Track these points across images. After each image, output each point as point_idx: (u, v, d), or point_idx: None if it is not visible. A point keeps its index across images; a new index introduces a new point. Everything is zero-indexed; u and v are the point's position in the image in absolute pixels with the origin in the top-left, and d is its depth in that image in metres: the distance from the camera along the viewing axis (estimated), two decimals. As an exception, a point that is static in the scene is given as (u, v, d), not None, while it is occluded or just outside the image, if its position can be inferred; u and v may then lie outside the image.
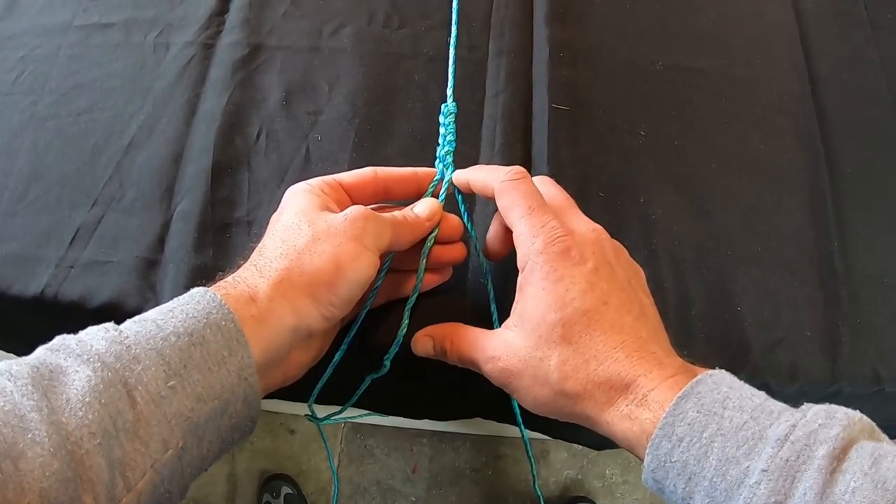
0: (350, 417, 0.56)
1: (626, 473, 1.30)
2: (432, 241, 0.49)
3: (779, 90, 0.65)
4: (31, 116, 0.61)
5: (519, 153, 0.58)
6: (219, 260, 0.54)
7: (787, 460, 0.32)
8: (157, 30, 0.65)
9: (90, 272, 0.53)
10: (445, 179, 0.52)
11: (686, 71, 0.64)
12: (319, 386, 0.51)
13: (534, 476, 0.63)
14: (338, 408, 0.56)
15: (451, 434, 1.29)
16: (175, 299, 0.38)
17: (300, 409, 0.56)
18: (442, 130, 0.57)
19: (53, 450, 0.30)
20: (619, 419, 0.38)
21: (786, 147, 0.62)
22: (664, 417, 0.35)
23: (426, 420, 0.70)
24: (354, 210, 0.44)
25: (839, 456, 0.32)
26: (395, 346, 0.49)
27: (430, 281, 0.51)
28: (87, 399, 0.32)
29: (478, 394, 0.59)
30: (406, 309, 0.49)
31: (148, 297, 0.52)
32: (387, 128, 0.59)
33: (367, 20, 0.65)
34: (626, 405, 0.38)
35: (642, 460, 0.37)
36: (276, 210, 0.47)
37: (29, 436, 0.30)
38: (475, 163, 0.57)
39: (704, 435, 0.34)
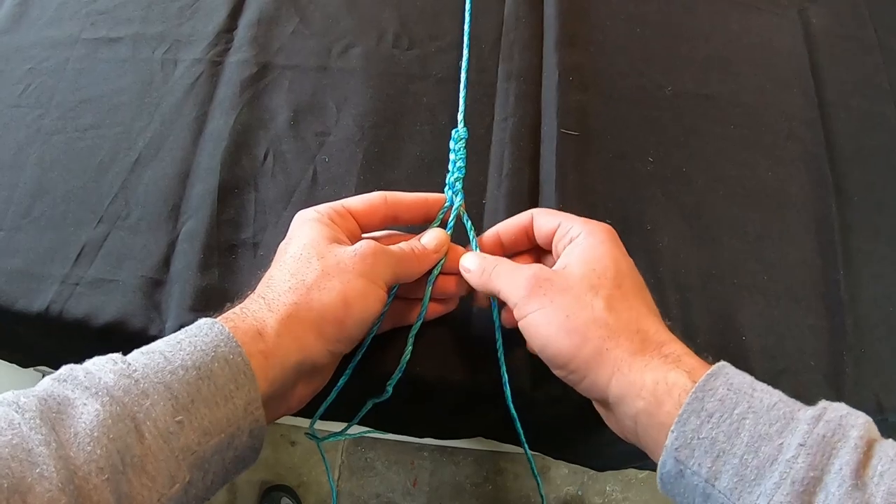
0: (350, 435, 0.56)
1: (627, 490, 1.29)
2: (438, 270, 0.49)
3: (787, 117, 0.64)
4: (38, 130, 0.61)
5: (527, 178, 0.58)
6: (224, 281, 0.53)
7: (824, 436, 0.32)
8: (165, 46, 0.65)
9: (95, 290, 0.53)
10: (455, 206, 0.52)
11: (695, 97, 0.64)
12: (322, 409, 0.51)
13: (542, 497, 0.62)
14: (338, 424, 0.56)
15: (452, 448, 1.29)
16: (183, 330, 0.38)
17: (302, 421, 0.56)
18: (452, 156, 0.56)
19: (62, 485, 0.30)
20: (652, 368, 0.38)
21: (794, 174, 0.62)
22: (693, 392, 0.35)
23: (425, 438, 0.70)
24: (364, 246, 0.44)
25: (869, 441, 0.32)
26: (398, 373, 0.49)
27: (435, 310, 0.50)
28: (95, 434, 0.31)
29: (481, 417, 0.59)
30: (410, 336, 0.49)
31: (153, 316, 0.52)
32: (395, 150, 0.59)
33: (377, 40, 0.65)
34: (660, 358, 0.38)
35: (657, 437, 0.37)
36: (283, 235, 0.47)
37: (37, 470, 0.30)
38: (481, 187, 0.57)
39: (736, 412, 0.34)
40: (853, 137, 0.64)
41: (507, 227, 0.50)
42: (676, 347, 0.40)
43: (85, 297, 0.53)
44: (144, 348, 0.37)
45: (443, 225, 0.51)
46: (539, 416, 0.54)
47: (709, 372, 0.36)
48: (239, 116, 0.60)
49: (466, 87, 0.61)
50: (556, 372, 0.43)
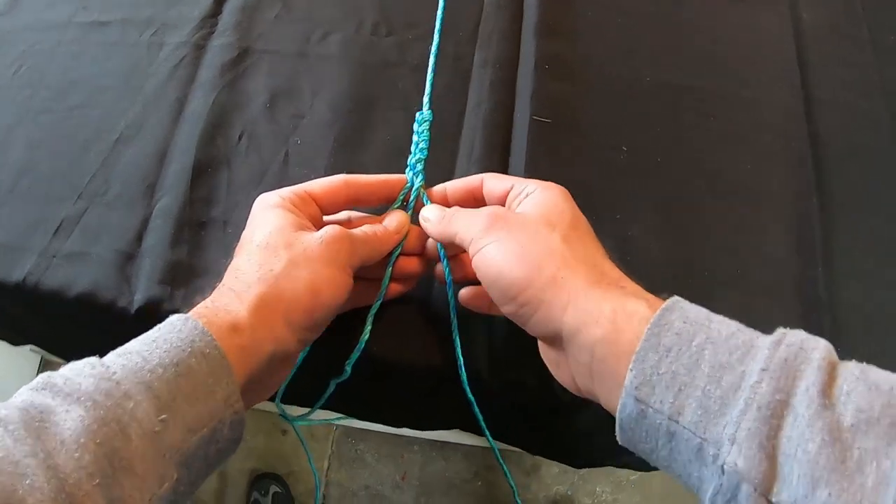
0: (328, 420, 0.56)
1: (617, 492, 1.28)
2: (399, 251, 0.49)
3: (772, 111, 0.64)
4: (28, 110, 0.63)
5: (495, 164, 0.58)
6: (192, 257, 0.54)
7: (786, 360, 0.31)
8: (153, 29, 0.66)
9: (71, 263, 0.55)
10: (415, 187, 0.52)
11: (676, 88, 0.64)
12: (282, 388, 0.52)
13: (513, 488, 0.62)
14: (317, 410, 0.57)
15: (443, 443, 1.29)
16: (156, 328, 0.38)
17: (293, 410, 0.57)
18: (415, 138, 0.57)
19: (53, 494, 0.29)
20: (609, 297, 0.37)
21: (775, 170, 0.61)
22: (648, 328, 0.34)
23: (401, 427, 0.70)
24: (329, 232, 0.44)
25: (832, 362, 0.31)
26: (357, 352, 0.49)
27: (395, 290, 0.51)
28: (81, 440, 0.31)
29: (447, 401, 0.59)
30: (369, 316, 0.49)
31: (123, 289, 0.53)
32: (366, 135, 0.60)
33: (356, 27, 0.65)
34: (618, 289, 0.38)
35: (615, 368, 0.36)
36: (247, 217, 0.47)
37: (27, 482, 0.29)
38: (449, 173, 0.58)
39: (694, 343, 0.33)
40: (839, 135, 0.63)
41: (455, 186, 0.50)
42: (633, 284, 0.39)
43: (61, 269, 0.54)
44: (119, 350, 0.37)
45: (403, 206, 0.51)
46: (500, 403, 0.54)
47: (663, 306, 0.35)
48: (217, 98, 0.61)
49: (435, 70, 0.61)
50: (507, 308, 0.41)
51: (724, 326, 0.34)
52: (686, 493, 0.35)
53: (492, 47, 0.64)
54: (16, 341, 0.73)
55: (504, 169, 0.58)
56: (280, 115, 0.61)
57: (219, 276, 0.52)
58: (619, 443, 0.37)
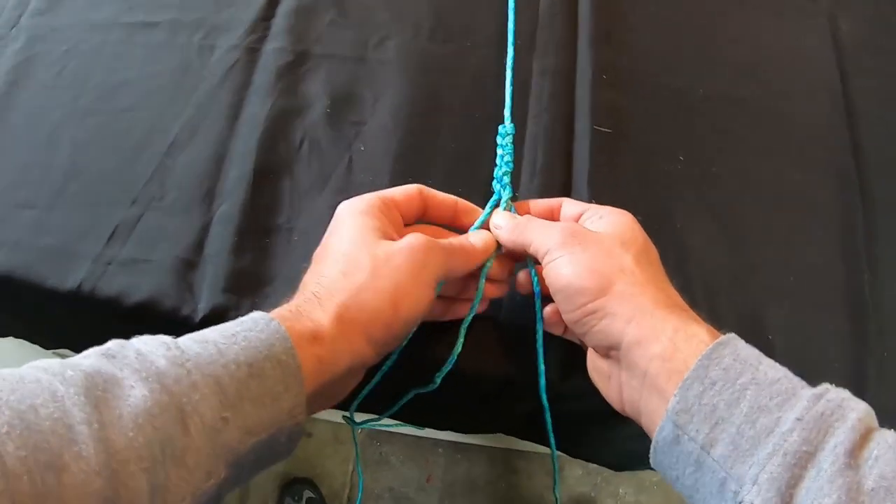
0: (385, 426, 0.56)
1: (640, 493, 1.29)
2: (489, 265, 0.49)
3: (815, 121, 0.65)
4: (73, 111, 0.62)
5: (559, 174, 0.58)
6: (258, 265, 0.54)
7: (822, 414, 0.32)
8: (203, 32, 0.65)
9: (128, 270, 0.54)
10: (504, 199, 0.53)
11: (725, 100, 0.65)
12: (362, 395, 0.51)
13: (556, 498, 0.62)
14: (367, 414, 0.57)
15: (467, 445, 1.29)
16: (238, 321, 0.38)
17: (318, 412, 0.56)
18: (500, 151, 0.57)
19: (98, 468, 0.29)
20: (674, 318, 0.38)
21: (820, 180, 0.62)
22: (699, 360, 0.35)
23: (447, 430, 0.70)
24: (414, 240, 0.43)
25: (868, 426, 0.32)
26: (448, 365, 0.49)
27: (464, 310, 0.50)
28: (139, 420, 0.31)
29: (507, 409, 0.59)
30: (462, 328, 0.49)
31: (185, 297, 0.53)
32: (429, 142, 0.60)
33: (413, 33, 0.65)
34: (683, 312, 0.39)
35: (665, 387, 0.36)
36: (318, 221, 0.47)
37: (76, 448, 0.29)
38: (517, 183, 0.58)
39: (739, 382, 0.34)
40: (880, 143, 0.64)
41: (537, 203, 0.51)
42: (694, 314, 0.40)
43: (117, 276, 0.53)
44: (197, 335, 0.36)
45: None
46: (564, 410, 0.54)
47: (718, 340, 0.36)
48: (275, 103, 0.60)
49: (512, 83, 0.61)
50: (572, 315, 0.42)
51: (772, 371, 0.35)
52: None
53: (549, 56, 0.64)
54: (49, 346, 0.72)
55: (567, 177, 0.58)
56: (341, 121, 0.60)
57: (287, 283, 0.52)
58: (651, 465, 0.39)
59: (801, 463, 0.31)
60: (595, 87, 0.62)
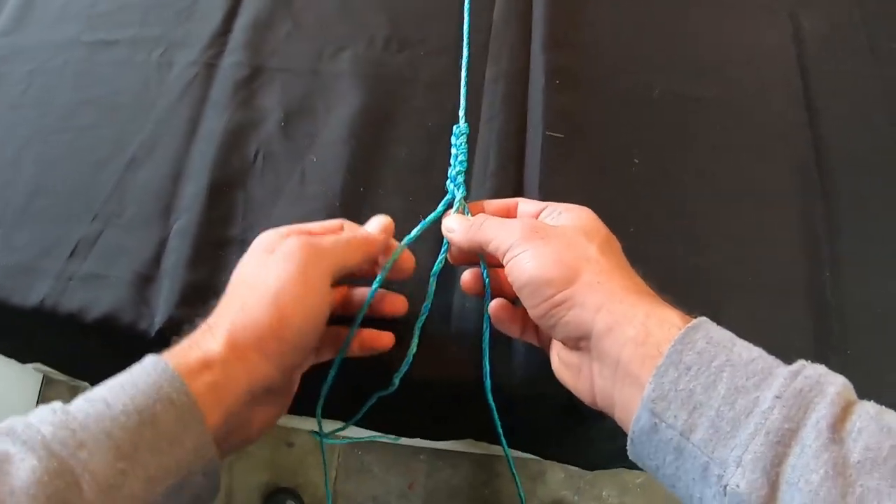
0: (355, 439, 0.56)
1: (623, 496, 1.29)
2: (439, 266, 0.50)
3: (776, 119, 0.65)
4: (38, 130, 0.63)
5: (511, 178, 0.58)
6: (213, 278, 0.54)
7: (801, 390, 0.32)
8: (162, 48, 0.66)
9: (88, 285, 0.54)
10: (457, 199, 0.53)
11: (683, 98, 0.65)
12: (321, 403, 0.52)
13: (521, 498, 0.63)
14: (340, 423, 0.57)
15: (449, 452, 1.28)
16: (128, 370, 0.36)
17: (299, 422, 0.56)
18: (454, 151, 0.57)
19: None
20: (644, 303, 0.38)
21: (781, 176, 0.62)
22: (672, 345, 0.35)
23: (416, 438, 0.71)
24: (289, 244, 0.42)
25: (848, 399, 0.32)
26: (406, 365, 0.49)
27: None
28: (31, 492, 0.30)
29: (466, 412, 0.59)
30: (416, 329, 0.50)
31: (143, 311, 0.53)
32: (382, 152, 0.60)
33: (367, 44, 0.66)
34: (652, 298, 0.39)
35: (639, 373, 0.36)
36: (285, 223, 0.47)
37: None
38: (467, 187, 0.58)
39: (714, 364, 0.34)
40: (841, 141, 0.64)
41: (491, 203, 0.51)
42: (665, 300, 0.40)
43: (78, 291, 0.54)
44: (88, 394, 0.35)
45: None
46: (522, 413, 0.55)
47: (689, 325, 0.36)
48: (232, 117, 0.61)
49: (467, 87, 0.61)
50: (538, 309, 0.41)
51: (746, 351, 0.34)
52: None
53: (502, 61, 0.64)
54: (24, 359, 0.73)
55: (519, 181, 0.59)
56: (295, 133, 0.61)
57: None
58: (629, 457, 0.38)
59: (784, 441, 0.31)
60: (548, 91, 0.62)
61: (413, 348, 0.49)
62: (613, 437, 0.57)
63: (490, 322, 0.50)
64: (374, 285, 0.47)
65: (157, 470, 0.33)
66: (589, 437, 0.60)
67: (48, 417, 0.33)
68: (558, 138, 0.60)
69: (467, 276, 0.50)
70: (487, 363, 0.50)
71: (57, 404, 0.34)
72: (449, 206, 0.53)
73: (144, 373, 0.36)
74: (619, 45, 0.67)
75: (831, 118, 0.65)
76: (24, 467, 0.31)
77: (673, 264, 0.57)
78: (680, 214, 0.59)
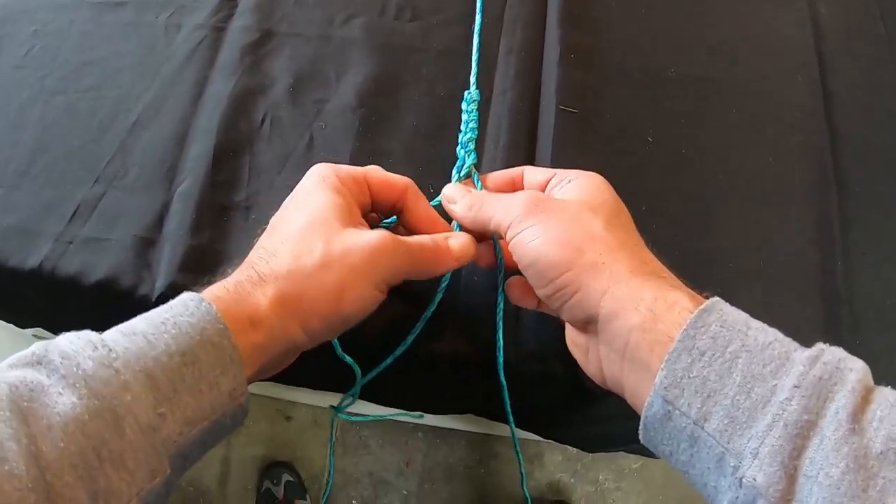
0: (368, 417, 0.55)
1: (620, 480, 1.29)
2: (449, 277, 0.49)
3: (791, 105, 0.63)
4: (40, 90, 0.62)
5: (523, 152, 0.57)
6: (215, 242, 0.54)
7: (821, 378, 0.30)
8: (169, 10, 0.65)
9: (88, 248, 0.54)
10: (466, 165, 0.52)
11: (699, 81, 0.63)
12: (356, 389, 0.52)
13: (522, 475, 0.62)
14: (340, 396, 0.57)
15: (447, 430, 1.29)
16: (167, 306, 0.36)
17: (298, 395, 0.56)
18: (464, 117, 0.56)
19: (32, 484, 0.28)
20: (651, 286, 0.36)
21: (795, 164, 0.61)
22: (685, 329, 0.33)
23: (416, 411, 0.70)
24: (377, 241, 0.40)
25: (867, 386, 0.31)
26: (422, 322, 0.49)
27: None
28: (69, 429, 0.30)
29: (471, 387, 0.59)
30: (439, 290, 0.49)
31: (143, 275, 0.53)
32: (391, 120, 0.59)
33: (380, 11, 0.64)
34: (659, 279, 0.37)
35: (648, 360, 0.35)
36: (277, 199, 0.44)
37: (6, 467, 0.28)
38: (479, 161, 0.57)
39: (728, 350, 0.32)
40: (857, 130, 0.63)
41: (495, 175, 0.49)
42: (672, 276, 0.39)
43: (78, 254, 0.53)
44: (125, 327, 0.35)
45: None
46: (525, 392, 0.54)
47: (702, 307, 0.34)
48: (239, 81, 0.60)
49: (479, 57, 0.60)
50: (543, 291, 0.40)
51: (762, 335, 0.33)
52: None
53: (516, 34, 0.63)
54: (23, 325, 0.72)
55: (531, 156, 0.58)
56: (304, 99, 0.60)
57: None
58: (641, 441, 0.37)
59: (802, 433, 0.30)
60: (562, 65, 0.61)
61: (433, 306, 0.48)
62: (620, 419, 0.56)
63: (503, 297, 0.49)
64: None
65: (194, 412, 0.34)
66: (595, 417, 0.59)
67: (87, 351, 0.32)
68: (572, 113, 0.59)
69: (479, 249, 0.48)
70: (501, 338, 0.49)
71: (94, 336, 0.33)
72: (460, 172, 0.52)
73: (187, 312, 0.35)
74: (635, 24, 0.66)
75: (847, 105, 0.64)
76: (63, 402, 0.30)
77: (683, 247, 0.56)
78: (692, 196, 0.58)
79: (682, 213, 0.57)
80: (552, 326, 0.48)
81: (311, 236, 0.40)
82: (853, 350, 0.52)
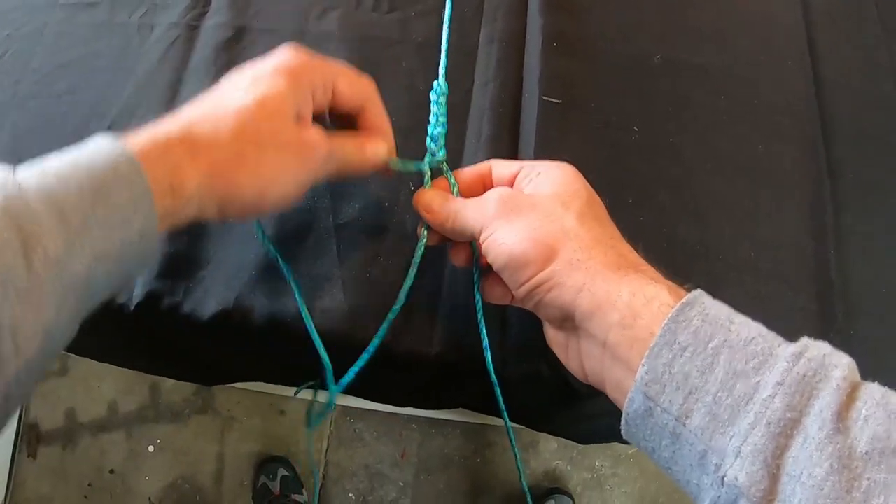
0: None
1: (616, 466, 1.29)
2: (423, 246, 0.48)
3: (782, 91, 0.62)
4: (14, 95, 0.61)
5: (506, 145, 0.56)
6: (193, 249, 0.53)
7: (804, 375, 0.30)
8: (143, 9, 0.63)
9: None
10: (435, 160, 0.51)
11: (686, 66, 0.62)
12: (345, 381, 0.50)
13: (519, 469, 0.62)
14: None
15: (441, 421, 1.29)
16: (78, 147, 0.35)
17: (291, 389, 0.55)
18: (434, 109, 0.55)
19: None
20: (628, 281, 0.36)
21: (787, 150, 0.59)
22: (665, 324, 0.33)
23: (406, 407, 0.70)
24: (318, 142, 0.41)
25: (853, 383, 0.30)
26: (410, 279, 0.48)
27: None
28: None
29: (460, 384, 0.58)
30: (415, 259, 0.48)
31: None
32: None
33: (356, 4, 0.63)
34: (636, 274, 0.36)
35: (629, 356, 0.34)
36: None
37: None
38: (458, 153, 0.56)
39: (710, 345, 0.32)
40: (850, 116, 0.62)
41: (462, 172, 0.48)
42: (651, 269, 0.38)
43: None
44: (34, 167, 0.34)
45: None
46: (519, 388, 0.53)
47: (683, 301, 0.33)
48: (214, 81, 0.58)
49: (448, 42, 0.59)
50: (520, 290, 0.39)
51: (745, 330, 0.32)
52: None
53: (497, 23, 0.61)
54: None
55: (514, 149, 0.56)
56: (280, 98, 0.58)
57: (221, 267, 0.51)
58: (623, 437, 0.37)
59: (786, 431, 0.29)
60: (545, 54, 0.59)
61: (414, 270, 0.48)
62: (608, 415, 0.56)
63: (481, 295, 0.48)
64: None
65: (102, 249, 0.33)
66: (583, 413, 0.59)
67: None
68: (555, 104, 0.57)
69: (456, 249, 0.48)
70: (485, 337, 0.48)
71: (5, 171, 0.32)
72: (429, 166, 0.50)
73: (99, 149, 0.35)
74: (619, 11, 0.64)
75: (839, 93, 0.63)
76: None
77: (672, 239, 0.55)
78: (680, 187, 0.57)
79: (669, 203, 0.56)
80: (537, 326, 0.47)
81: (261, 122, 0.39)
82: (847, 340, 0.52)
